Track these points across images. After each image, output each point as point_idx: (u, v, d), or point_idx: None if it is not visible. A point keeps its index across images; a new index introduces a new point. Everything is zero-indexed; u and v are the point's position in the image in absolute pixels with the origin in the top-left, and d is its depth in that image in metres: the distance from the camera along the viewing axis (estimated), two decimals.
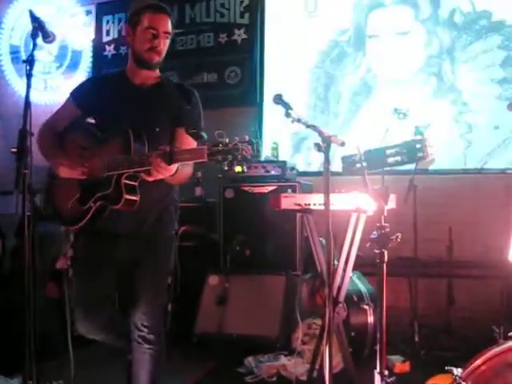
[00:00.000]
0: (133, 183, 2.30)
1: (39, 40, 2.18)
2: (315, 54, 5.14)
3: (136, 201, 2.31)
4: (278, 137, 4.91)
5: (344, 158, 3.06)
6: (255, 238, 4.22)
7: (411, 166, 3.59)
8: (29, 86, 2.02)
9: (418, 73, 4.83)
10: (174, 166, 2.16)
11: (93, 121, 2.48)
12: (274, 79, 5.22)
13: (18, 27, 6.15)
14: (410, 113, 3.73)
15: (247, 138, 2.04)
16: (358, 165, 2.84)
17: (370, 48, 4.99)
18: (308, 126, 2.20)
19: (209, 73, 5.44)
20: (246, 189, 4.28)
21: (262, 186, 4.23)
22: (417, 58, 4.83)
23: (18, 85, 6.10)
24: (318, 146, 2.10)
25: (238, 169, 4.25)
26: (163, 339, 2.54)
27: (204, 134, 2.20)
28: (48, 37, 2.19)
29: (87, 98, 2.47)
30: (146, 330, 2.45)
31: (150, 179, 2.22)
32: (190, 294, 4.16)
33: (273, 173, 4.26)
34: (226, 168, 2.02)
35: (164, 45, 2.43)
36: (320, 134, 2.13)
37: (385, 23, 4.92)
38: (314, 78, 5.13)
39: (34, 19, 2.09)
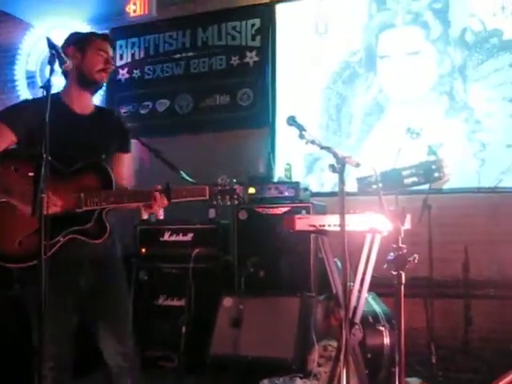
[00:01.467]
0: (109, 219, 2.37)
1: (55, 66, 2.20)
2: (327, 74, 5.16)
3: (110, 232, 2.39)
4: (291, 158, 4.91)
5: (359, 179, 3.05)
6: (269, 259, 4.19)
7: (425, 186, 3.57)
8: (46, 111, 2.02)
9: (430, 92, 4.83)
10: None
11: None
12: (285, 100, 5.25)
13: (34, 53, 6.25)
14: (423, 132, 3.72)
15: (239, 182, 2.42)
16: (374, 186, 2.83)
17: (382, 68, 5.01)
18: (322, 148, 2.20)
19: (221, 95, 5.47)
20: (259, 210, 4.26)
21: (276, 207, 4.21)
22: (428, 78, 4.84)
23: None
24: (332, 167, 2.10)
25: (250, 190, 4.29)
26: (137, 364, 2.53)
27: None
28: (64, 63, 2.20)
29: (23, 122, 2.32)
30: (121, 358, 2.43)
31: (149, 212, 2.43)
32: (204, 315, 4.15)
33: (286, 194, 4.25)
34: (221, 204, 2.38)
35: (111, 66, 2.53)
36: (335, 155, 2.13)
37: (395, 44, 4.94)
38: (325, 99, 5.15)
39: (51, 46, 2.11)
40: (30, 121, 2.28)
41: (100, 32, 2.61)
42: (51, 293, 2.29)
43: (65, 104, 2.42)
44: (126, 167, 2.57)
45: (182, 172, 2.44)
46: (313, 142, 2.22)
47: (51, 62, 2.13)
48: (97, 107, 2.58)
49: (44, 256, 2.03)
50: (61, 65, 2.18)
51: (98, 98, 5.90)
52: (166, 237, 4.61)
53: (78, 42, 2.48)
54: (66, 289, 2.30)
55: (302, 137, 2.27)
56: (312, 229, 2.89)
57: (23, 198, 2.19)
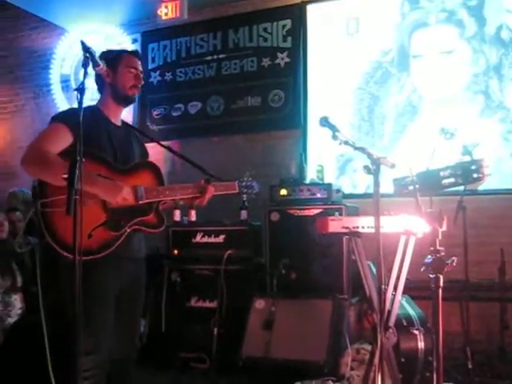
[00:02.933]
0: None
1: (89, 68, 2.21)
2: (358, 75, 5.10)
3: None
4: (323, 159, 4.87)
5: (396, 181, 2.99)
6: (301, 261, 4.15)
7: (459, 187, 3.50)
8: (80, 113, 2.04)
9: (465, 91, 4.73)
10: None
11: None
12: (317, 101, 5.21)
13: (69, 57, 6.34)
14: (457, 132, 3.65)
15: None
16: (411, 187, 2.76)
17: (415, 68, 4.93)
18: (356, 149, 2.16)
19: (252, 97, 5.46)
20: (291, 212, 4.22)
21: (308, 208, 4.16)
22: (463, 77, 4.74)
23: None
24: (367, 168, 2.06)
25: (282, 192, 4.26)
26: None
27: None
28: (98, 65, 2.23)
29: (79, 127, 2.33)
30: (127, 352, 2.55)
31: (202, 203, 2.65)
32: (236, 317, 4.13)
33: (318, 195, 4.20)
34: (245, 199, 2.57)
35: (140, 81, 2.65)
36: (369, 156, 2.09)
37: (429, 43, 4.86)
38: (357, 100, 5.09)
39: (85, 49, 2.12)
40: (85, 126, 2.28)
41: (130, 49, 2.77)
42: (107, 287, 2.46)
43: (104, 115, 2.58)
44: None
45: (207, 171, 2.73)
46: (346, 143, 2.18)
47: (85, 65, 2.15)
48: (124, 122, 2.75)
49: (109, 250, 2.33)
50: (94, 67, 2.21)
51: None
52: (198, 238, 4.61)
53: (109, 60, 2.52)
54: (114, 283, 2.43)
55: (335, 138, 2.23)
56: (345, 231, 2.85)
57: (106, 191, 2.36)
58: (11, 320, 3.74)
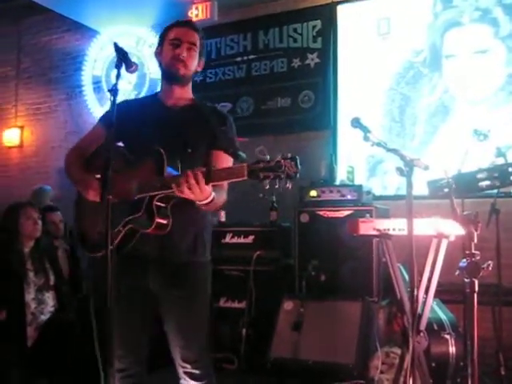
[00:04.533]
0: (164, 205, 2.20)
1: (122, 70, 2.22)
2: (390, 75, 5.05)
3: (167, 225, 2.21)
4: (353, 160, 4.84)
5: (430, 183, 2.95)
6: (330, 262, 4.13)
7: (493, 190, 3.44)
8: (113, 115, 2.05)
9: (498, 92, 4.65)
10: (210, 188, 2.05)
11: (121, 144, 2.38)
12: (347, 102, 5.18)
13: (100, 59, 6.43)
14: (491, 134, 3.58)
15: (290, 154, 1.93)
16: (446, 189, 2.72)
17: (447, 68, 4.86)
18: (389, 150, 2.14)
19: (282, 98, 5.45)
20: (321, 213, 4.21)
21: (338, 210, 4.14)
22: (497, 77, 4.66)
23: (99, 114, 6.33)
24: (400, 170, 2.03)
25: (312, 193, 4.23)
26: (211, 370, 2.43)
27: (242, 154, 2.13)
28: (131, 67, 2.22)
29: (116, 121, 2.38)
30: (189, 365, 2.34)
31: (182, 195, 2.08)
32: (264, 318, 4.14)
33: (348, 197, 4.18)
34: (268, 187, 1.91)
35: (189, 56, 2.39)
36: (402, 158, 2.07)
37: (462, 42, 4.79)
38: (388, 100, 5.05)
39: (119, 50, 2.13)
40: (121, 120, 2.24)
41: (181, 20, 2.50)
42: (116, 288, 2.38)
43: (159, 99, 2.44)
44: (221, 165, 2.21)
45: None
46: (379, 145, 2.16)
47: (118, 67, 2.15)
48: (194, 100, 2.52)
49: (110, 246, 2.11)
50: (127, 69, 2.21)
51: None
52: (228, 239, 4.62)
53: (159, 37, 2.48)
54: (131, 285, 2.29)
55: (366, 139, 2.21)
56: (376, 233, 2.83)
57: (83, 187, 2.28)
58: (44, 317, 3.79)
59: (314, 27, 5.40)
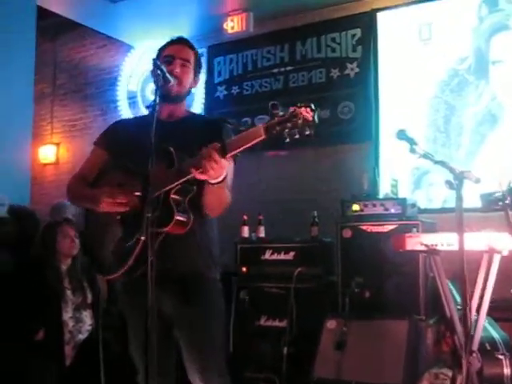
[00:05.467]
0: (183, 199, 2.20)
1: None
2: (433, 84, 5.01)
3: (187, 222, 2.20)
4: (397, 173, 4.79)
5: (483, 196, 2.89)
6: (375, 279, 4.10)
7: None
8: (152, 131, 2.08)
9: None
10: (226, 164, 2.07)
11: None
12: (389, 112, 5.15)
13: (135, 74, 6.55)
14: None
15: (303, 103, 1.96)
16: (501, 202, 2.66)
17: (494, 75, 4.79)
18: (436, 162, 2.12)
19: (321, 109, 5.43)
20: (364, 228, 4.18)
21: (382, 224, 4.12)
22: None
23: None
24: (449, 183, 2.02)
25: (354, 207, 4.21)
26: None
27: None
28: (169, 82, 2.29)
29: (113, 140, 2.49)
30: None
31: (203, 177, 2.08)
32: (306, 337, 4.12)
33: (392, 211, 4.15)
34: (288, 139, 1.93)
35: (183, 72, 2.42)
36: (451, 170, 2.05)
37: (510, 47, 4.72)
38: (432, 110, 5.00)
39: (157, 66, 2.20)
40: (118, 138, 2.46)
41: (173, 38, 2.55)
42: (129, 311, 2.40)
43: (157, 116, 2.42)
44: None
45: None
46: (425, 157, 2.15)
47: (156, 82, 2.21)
48: (189, 113, 2.60)
49: (125, 265, 2.14)
50: (165, 84, 2.26)
51: None
52: (267, 255, 4.62)
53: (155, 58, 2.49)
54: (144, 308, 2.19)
55: (413, 151, 2.20)
56: (423, 248, 2.80)
57: (113, 193, 2.27)
58: (81, 336, 3.85)
59: (353, 36, 5.41)
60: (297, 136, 1.92)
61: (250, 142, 1.99)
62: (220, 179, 2.12)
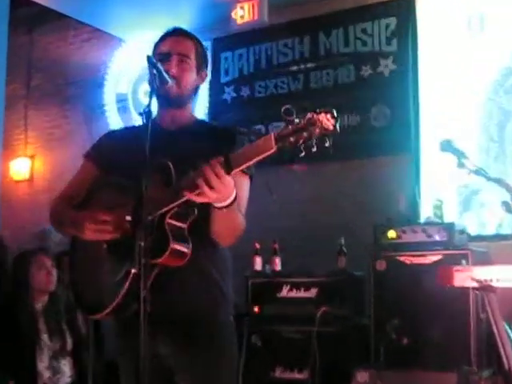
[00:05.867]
0: (181, 224, 2.19)
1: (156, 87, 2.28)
2: (484, 84, 5.01)
3: (186, 253, 2.19)
4: (441, 191, 4.79)
5: None
6: (415, 322, 4.08)
7: None
8: (147, 142, 2.07)
9: None
10: (232, 182, 2.04)
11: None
12: (432, 118, 5.16)
13: (126, 72, 6.60)
14: None
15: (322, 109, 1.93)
16: None
17: None
18: (490, 180, 2.11)
19: (350, 114, 5.46)
20: (402, 259, 4.17)
21: (424, 255, 4.11)
22: None
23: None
24: (506, 204, 2.00)
25: (390, 234, 4.20)
26: None
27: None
28: (166, 83, 2.29)
29: (105, 152, 2.52)
30: None
31: (203, 200, 2.05)
32: None
33: (437, 238, 4.14)
34: (304, 153, 1.90)
35: (182, 69, 2.41)
36: (509, 189, 2.04)
37: None
38: (484, 115, 5.00)
39: (153, 64, 2.19)
40: (111, 150, 2.48)
41: (169, 29, 2.55)
42: (120, 355, 2.39)
43: (155, 123, 2.40)
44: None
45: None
46: (477, 173, 2.14)
47: (152, 84, 2.22)
48: (196, 120, 2.61)
49: (113, 303, 2.14)
50: (162, 85, 2.26)
51: None
52: (285, 292, 4.61)
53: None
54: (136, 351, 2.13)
55: (461, 165, 2.19)
56: (475, 284, 2.78)
57: (95, 217, 2.25)
58: None
59: (387, 26, 5.43)
60: (314, 149, 1.90)
61: (258, 156, 1.96)
62: (228, 202, 2.10)
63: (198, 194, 2.03)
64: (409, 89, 5.28)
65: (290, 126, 1.91)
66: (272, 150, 1.91)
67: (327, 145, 1.91)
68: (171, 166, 2.18)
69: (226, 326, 2.43)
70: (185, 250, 2.20)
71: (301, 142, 1.89)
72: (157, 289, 2.06)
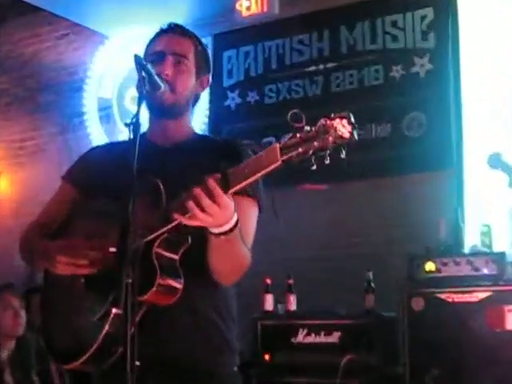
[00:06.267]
0: (171, 255, 2.19)
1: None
2: None
3: (177, 289, 2.18)
4: (489, 214, 4.78)
5: None
6: (460, 371, 4.07)
7: None
8: (134, 159, 2.07)
9: None
10: (232, 204, 2.02)
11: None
12: (477, 127, 5.17)
13: (109, 74, 6.65)
14: None
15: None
16: None
17: None
18: None
19: (378, 123, 5.48)
20: (443, 297, 4.17)
21: (469, 291, 4.11)
22: None
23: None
24: None
25: (429, 266, 4.20)
26: None
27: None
28: (158, 88, 2.29)
29: (86, 172, 2.54)
30: None
31: (196, 224, 2.04)
32: None
33: (485, 271, 4.15)
34: (315, 166, 1.88)
35: (178, 72, 2.42)
36: None
37: None
38: None
39: (142, 66, 2.19)
40: (93, 170, 2.49)
41: (170, 22, 2.56)
42: None
43: (146, 138, 2.45)
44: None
45: None
46: None
47: (140, 89, 2.22)
48: (193, 135, 2.61)
49: (91, 349, 2.11)
50: (153, 91, 2.27)
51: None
52: (301, 337, 4.61)
53: (143, 55, 2.49)
54: None
55: None
56: None
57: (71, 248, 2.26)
58: None
59: (423, 18, 5.46)
60: (327, 161, 1.87)
61: (261, 171, 1.95)
62: (226, 227, 2.08)
63: (190, 218, 2.02)
64: (449, 92, 5.29)
65: (299, 135, 1.89)
66: (277, 164, 1.89)
67: (342, 156, 1.88)
68: (161, 186, 2.18)
69: (229, 378, 2.42)
70: (175, 285, 2.18)
71: (310, 153, 1.86)
72: (143, 332, 2.02)
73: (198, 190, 1.97)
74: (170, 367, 2.29)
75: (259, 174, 1.95)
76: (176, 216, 2.05)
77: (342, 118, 1.86)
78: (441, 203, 4.99)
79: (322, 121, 1.87)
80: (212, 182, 1.97)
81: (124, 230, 2.02)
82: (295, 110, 1.92)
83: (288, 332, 4.65)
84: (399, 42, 5.54)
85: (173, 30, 2.51)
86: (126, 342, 1.89)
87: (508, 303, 3.46)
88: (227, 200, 1.99)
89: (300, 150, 1.87)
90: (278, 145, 1.91)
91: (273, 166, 1.90)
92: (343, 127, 1.85)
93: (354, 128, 1.86)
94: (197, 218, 2.01)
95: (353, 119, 1.87)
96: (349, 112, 1.87)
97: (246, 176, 1.98)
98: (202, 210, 1.98)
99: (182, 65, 2.44)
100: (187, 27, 2.57)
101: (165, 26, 2.52)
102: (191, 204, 1.98)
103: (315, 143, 1.86)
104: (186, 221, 2.04)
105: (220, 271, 2.27)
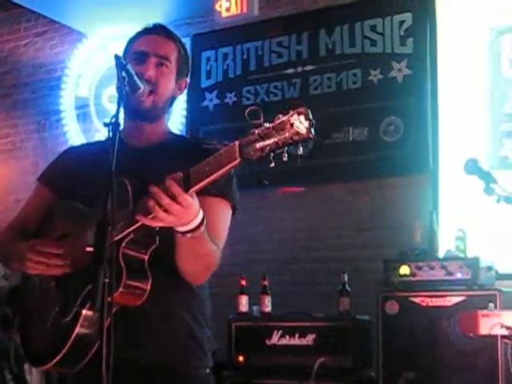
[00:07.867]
0: (139, 255, 2.19)
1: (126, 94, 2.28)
2: None
3: (144, 289, 2.18)
4: (464, 220, 4.80)
5: None
6: (433, 375, 4.09)
7: None
8: (113, 162, 2.06)
9: None
10: (196, 201, 2.04)
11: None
12: (454, 133, 5.19)
13: (88, 73, 6.64)
14: None
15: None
16: None
17: None
18: None
19: (356, 127, 5.50)
20: (417, 300, 4.19)
21: (443, 296, 4.13)
22: None
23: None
24: None
25: (403, 270, 4.22)
26: None
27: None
28: (138, 89, 2.29)
29: (60, 173, 2.55)
30: None
31: (160, 224, 2.04)
32: None
33: (459, 276, 4.16)
34: (273, 164, 1.87)
35: (160, 74, 2.42)
36: None
37: None
38: None
39: (122, 66, 2.18)
40: (67, 171, 2.51)
41: (153, 23, 2.54)
42: None
43: (121, 139, 2.33)
44: (207, 211, 2.19)
45: None
46: (508, 200, 2.15)
47: (121, 89, 2.21)
48: (171, 135, 2.63)
49: (61, 352, 2.12)
50: (132, 92, 2.26)
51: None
52: (275, 339, 4.61)
53: (122, 54, 2.47)
54: None
55: (489, 191, 2.21)
56: (504, 332, 2.80)
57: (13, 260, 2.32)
58: None
59: (401, 24, 5.48)
60: (285, 158, 1.85)
61: (221, 169, 1.95)
62: (191, 226, 2.09)
63: (152, 218, 2.02)
64: (426, 98, 5.32)
65: (257, 131, 1.88)
66: (236, 161, 1.90)
67: (300, 152, 1.86)
68: (129, 186, 2.17)
69: (201, 379, 2.42)
70: (141, 285, 2.18)
71: (267, 149, 1.86)
72: (115, 334, 1.97)
73: (156, 189, 1.98)
74: (143, 370, 2.28)
75: (220, 172, 1.95)
76: (138, 217, 2.05)
77: (299, 113, 1.84)
78: (416, 207, 5.01)
79: (279, 116, 1.86)
80: (170, 181, 1.98)
81: (99, 230, 2.02)
82: (253, 107, 1.91)
83: (262, 334, 4.65)
84: (378, 46, 5.56)
85: (157, 31, 2.50)
86: (101, 341, 1.87)
87: (481, 308, 3.47)
88: (188, 198, 1.99)
89: (257, 146, 1.87)
90: (237, 142, 1.90)
91: (232, 164, 1.90)
92: (300, 123, 1.83)
93: (311, 124, 1.84)
94: (159, 218, 2.00)
95: (310, 115, 1.83)
96: (306, 107, 1.84)
97: (207, 174, 1.97)
98: (164, 209, 1.98)
99: (165, 67, 2.44)
100: (169, 29, 2.56)
101: (149, 26, 2.51)
102: (151, 203, 1.98)
103: (272, 140, 1.85)
104: (148, 222, 2.04)
105: (187, 270, 2.27)
